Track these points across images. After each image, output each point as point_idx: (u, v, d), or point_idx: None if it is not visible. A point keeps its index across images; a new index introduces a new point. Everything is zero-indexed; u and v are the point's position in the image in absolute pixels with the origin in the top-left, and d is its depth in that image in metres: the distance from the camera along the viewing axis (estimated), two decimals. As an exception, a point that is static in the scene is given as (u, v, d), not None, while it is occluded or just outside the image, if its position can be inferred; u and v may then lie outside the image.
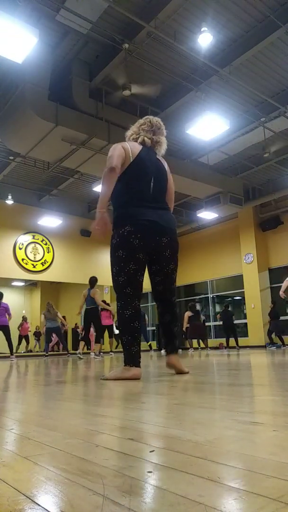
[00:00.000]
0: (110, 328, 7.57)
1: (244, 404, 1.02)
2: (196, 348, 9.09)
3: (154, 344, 10.21)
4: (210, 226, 10.60)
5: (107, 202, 1.86)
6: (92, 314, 5.70)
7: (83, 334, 5.86)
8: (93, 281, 5.78)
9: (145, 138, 1.98)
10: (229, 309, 8.67)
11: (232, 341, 8.21)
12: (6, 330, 6.23)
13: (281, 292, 4.91)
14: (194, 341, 9.29)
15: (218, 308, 10.86)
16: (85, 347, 7.31)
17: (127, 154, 1.88)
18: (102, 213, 1.82)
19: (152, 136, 2.02)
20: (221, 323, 8.48)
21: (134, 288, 1.84)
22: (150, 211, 1.85)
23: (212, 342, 10.05)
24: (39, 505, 0.40)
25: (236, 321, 10.22)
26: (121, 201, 1.88)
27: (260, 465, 0.49)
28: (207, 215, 8.87)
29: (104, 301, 7.08)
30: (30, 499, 0.41)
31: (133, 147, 1.92)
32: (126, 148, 1.90)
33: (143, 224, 1.81)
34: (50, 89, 5.54)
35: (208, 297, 11.05)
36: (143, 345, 8.53)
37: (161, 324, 1.99)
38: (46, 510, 0.38)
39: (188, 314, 8.03)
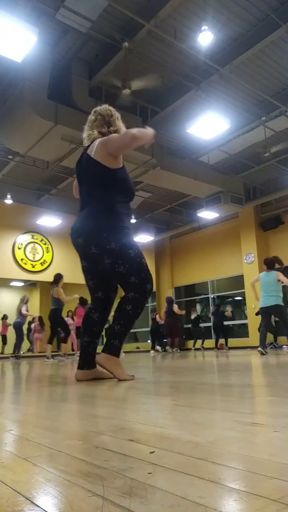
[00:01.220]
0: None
1: (244, 405, 1.02)
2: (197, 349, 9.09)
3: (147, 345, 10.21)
4: (211, 226, 10.59)
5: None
6: (54, 315, 5.24)
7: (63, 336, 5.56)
8: (57, 278, 5.28)
9: (89, 140, 1.90)
10: (221, 308, 8.67)
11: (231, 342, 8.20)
12: None
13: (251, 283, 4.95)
14: (195, 341, 9.28)
15: (222, 308, 10.85)
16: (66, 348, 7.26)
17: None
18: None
19: (91, 132, 1.91)
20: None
21: (90, 293, 1.94)
22: (78, 215, 1.88)
23: (212, 342, 10.07)
24: (38, 506, 0.39)
25: (236, 322, 10.23)
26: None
27: (260, 466, 0.49)
28: (207, 214, 8.86)
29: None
30: (29, 500, 0.41)
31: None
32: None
33: (71, 234, 1.87)
34: (49, 88, 5.53)
35: (208, 297, 11.04)
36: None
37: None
38: (46, 511, 0.38)
39: (166, 309, 7.73)
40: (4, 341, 10.30)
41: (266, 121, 6.39)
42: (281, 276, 4.52)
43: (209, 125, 5.65)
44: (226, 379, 1.70)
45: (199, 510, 0.36)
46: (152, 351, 7.49)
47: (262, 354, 4.21)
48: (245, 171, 8.33)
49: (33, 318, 9.67)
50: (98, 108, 1.98)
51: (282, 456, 0.53)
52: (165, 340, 8.78)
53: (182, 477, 0.46)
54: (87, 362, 1.83)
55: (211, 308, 10.60)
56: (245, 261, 9.72)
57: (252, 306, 9.43)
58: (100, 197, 1.80)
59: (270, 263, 4.62)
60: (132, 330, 13.80)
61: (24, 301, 7.00)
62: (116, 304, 1.81)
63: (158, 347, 8.33)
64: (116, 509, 0.37)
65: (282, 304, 4.48)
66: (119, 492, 0.42)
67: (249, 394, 1.22)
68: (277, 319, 5.74)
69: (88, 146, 1.89)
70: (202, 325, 9.78)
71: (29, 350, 10.62)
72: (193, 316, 9.42)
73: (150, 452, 0.57)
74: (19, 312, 6.94)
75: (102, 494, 0.41)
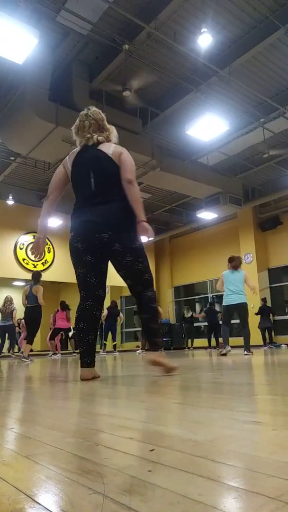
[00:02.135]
0: (66, 331, 7.30)
1: (243, 403, 1.02)
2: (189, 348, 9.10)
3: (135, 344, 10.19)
4: (210, 226, 10.60)
5: (43, 229, 2.01)
6: (32, 312, 5.05)
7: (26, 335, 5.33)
8: (36, 276, 5.21)
9: (88, 142, 1.94)
10: (215, 307, 8.69)
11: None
12: None
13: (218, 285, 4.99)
14: (192, 341, 9.27)
15: (217, 308, 10.86)
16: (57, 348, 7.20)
17: (66, 167, 1.95)
18: (37, 238, 1.99)
19: (93, 134, 1.94)
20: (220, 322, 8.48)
21: (86, 290, 1.86)
22: (89, 210, 1.83)
23: (204, 341, 10.05)
24: (39, 504, 0.40)
25: (234, 321, 10.21)
26: (76, 204, 1.94)
27: (260, 464, 0.49)
28: (206, 215, 8.88)
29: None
30: (30, 498, 0.41)
31: (71, 156, 1.96)
32: (64, 163, 1.97)
33: (81, 226, 1.84)
34: (50, 89, 5.54)
35: (208, 297, 11.05)
36: (109, 345, 8.37)
37: (140, 320, 1.95)
38: (47, 509, 0.38)
39: None
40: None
41: (265, 122, 6.41)
42: (248, 276, 4.81)
43: (208, 127, 5.67)
44: (225, 377, 1.70)
45: (199, 507, 0.37)
46: (139, 350, 7.47)
47: (224, 354, 4.26)
48: (244, 172, 8.34)
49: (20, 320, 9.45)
50: (88, 112, 1.99)
51: (281, 454, 0.53)
52: (165, 339, 8.75)
53: (181, 475, 0.46)
54: (93, 360, 1.85)
55: (205, 306, 10.62)
56: (244, 261, 9.71)
57: (251, 306, 9.43)
58: (120, 195, 1.84)
59: (239, 263, 4.69)
60: (132, 329, 13.76)
61: (11, 301, 6.76)
62: (137, 304, 1.91)
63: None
64: (116, 507, 0.38)
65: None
66: (119, 490, 0.42)
67: (249, 393, 1.23)
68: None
69: (93, 145, 1.93)
70: (196, 324, 9.80)
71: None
72: (188, 315, 9.42)
73: (150, 450, 0.58)
74: (11, 314, 6.71)
75: (103, 491, 0.42)
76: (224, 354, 4.26)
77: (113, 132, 2.02)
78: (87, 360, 1.82)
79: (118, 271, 1.91)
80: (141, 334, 7.82)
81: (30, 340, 5.16)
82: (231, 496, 0.40)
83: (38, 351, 9.98)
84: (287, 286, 9.87)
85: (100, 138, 1.94)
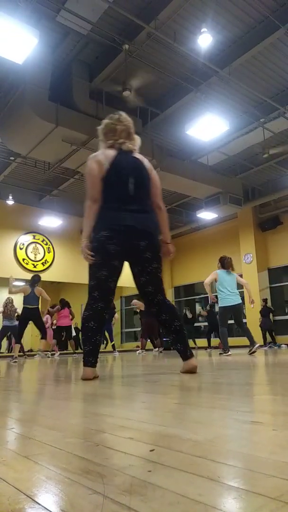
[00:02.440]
0: (68, 329, 7.28)
1: (243, 403, 1.02)
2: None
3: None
4: (210, 226, 10.60)
5: (89, 234, 1.90)
6: (34, 313, 5.38)
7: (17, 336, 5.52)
8: (38, 279, 5.57)
9: (122, 146, 1.95)
10: (215, 308, 8.69)
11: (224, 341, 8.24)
12: None
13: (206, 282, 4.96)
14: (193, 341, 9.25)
15: (217, 308, 10.87)
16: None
17: (100, 165, 1.89)
18: (83, 244, 1.89)
19: (124, 140, 1.96)
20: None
21: (102, 292, 1.86)
22: (128, 215, 1.83)
23: (212, 341, 10.05)
24: (39, 504, 0.40)
25: (230, 322, 10.22)
26: (103, 205, 1.86)
27: (259, 464, 0.49)
28: (206, 215, 8.88)
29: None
30: (30, 498, 0.41)
31: (107, 154, 1.91)
32: (97, 161, 1.91)
33: (120, 229, 1.81)
34: (50, 89, 5.54)
35: (208, 297, 11.05)
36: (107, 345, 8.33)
37: (169, 327, 1.93)
38: (47, 509, 0.38)
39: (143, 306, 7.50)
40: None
41: (265, 122, 6.41)
42: (240, 279, 4.81)
43: (208, 127, 5.67)
44: (225, 377, 1.70)
45: (199, 508, 0.37)
46: (139, 350, 7.46)
47: (228, 355, 4.29)
48: (244, 172, 8.35)
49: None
50: (120, 117, 2.00)
51: (281, 454, 0.53)
52: (165, 339, 8.73)
53: (181, 475, 0.46)
54: (96, 360, 1.86)
55: (205, 306, 10.62)
56: (244, 261, 9.73)
57: (251, 306, 9.43)
58: (152, 208, 1.95)
59: (232, 265, 4.67)
60: (132, 330, 13.74)
61: (12, 303, 6.89)
62: (168, 317, 1.91)
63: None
64: (116, 507, 0.38)
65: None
66: (119, 490, 0.42)
67: (248, 393, 1.23)
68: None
69: (128, 151, 1.95)
70: (196, 324, 9.78)
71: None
72: (190, 316, 9.41)
73: (150, 450, 0.58)
74: (14, 315, 6.85)
75: (103, 491, 0.42)
76: (229, 355, 4.27)
77: (138, 142, 2.05)
78: (92, 360, 1.82)
79: (139, 276, 1.91)
80: (141, 334, 7.79)
81: (19, 339, 5.51)
82: (231, 496, 0.40)
83: (28, 350, 9.95)
84: (287, 286, 9.87)
85: (131, 146, 1.98)
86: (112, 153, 1.91)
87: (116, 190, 1.87)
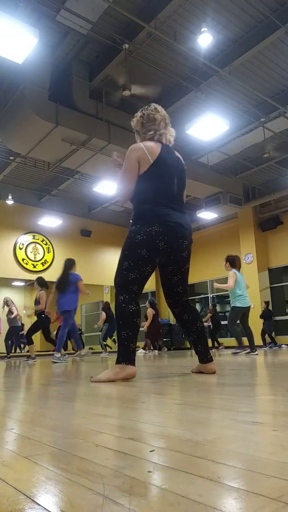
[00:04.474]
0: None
1: (244, 404, 1.02)
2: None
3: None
4: (210, 226, 10.60)
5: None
6: (39, 317, 5.20)
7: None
8: (43, 281, 5.32)
9: (162, 138, 1.92)
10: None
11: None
12: None
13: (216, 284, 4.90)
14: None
15: (218, 308, 10.88)
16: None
17: (143, 158, 1.84)
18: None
19: (164, 131, 1.94)
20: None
21: (140, 287, 1.80)
22: (175, 213, 1.81)
23: (210, 342, 10.06)
24: (39, 504, 0.40)
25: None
26: (148, 198, 1.81)
27: (260, 464, 0.49)
28: (207, 215, 8.87)
29: None
30: (30, 498, 0.41)
31: (150, 149, 1.85)
32: (142, 154, 1.84)
33: (171, 226, 1.77)
34: (50, 89, 5.54)
35: (208, 297, 11.06)
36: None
37: (192, 330, 1.92)
38: (46, 509, 0.38)
39: (152, 312, 7.53)
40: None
41: (265, 122, 6.40)
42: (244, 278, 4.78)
43: (208, 126, 5.67)
44: (225, 378, 1.70)
45: (199, 508, 0.37)
46: (140, 350, 7.46)
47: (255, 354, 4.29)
48: (244, 172, 8.34)
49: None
50: (157, 107, 2.01)
51: (282, 455, 0.53)
52: (165, 339, 8.73)
53: (181, 475, 0.46)
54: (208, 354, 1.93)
55: (205, 307, 10.63)
56: (244, 261, 9.72)
57: (252, 305, 9.43)
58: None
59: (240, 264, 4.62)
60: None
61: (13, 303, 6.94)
62: (190, 317, 1.91)
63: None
64: (116, 507, 0.38)
65: None
66: (119, 491, 0.42)
67: (249, 393, 1.23)
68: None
69: (168, 146, 1.94)
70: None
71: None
72: None
73: (150, 451, 0.58)
74: (17, 315, 6.90)
75: (103, 492, 0.42)
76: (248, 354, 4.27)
77: (174, 133, 2.03)
78: (133, 358, 1.73)
79: (172, 275, 1.90)
80: (146, 335, 7.76)
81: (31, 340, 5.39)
82: (231, 496, 0.40)
83: (37, 351, 9.96)
84: (287, 286, 9.87)
85: (170, 138, 1.96)
86: (156, 148, 1.86)
87: (160, 186, 1.84)
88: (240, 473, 0.46)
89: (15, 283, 13.00)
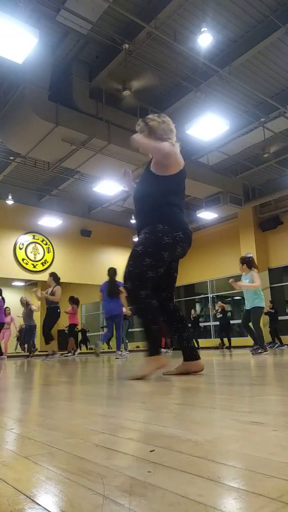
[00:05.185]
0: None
1: (244, 404, 1.02)
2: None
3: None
4: (210, 226, 10.60)
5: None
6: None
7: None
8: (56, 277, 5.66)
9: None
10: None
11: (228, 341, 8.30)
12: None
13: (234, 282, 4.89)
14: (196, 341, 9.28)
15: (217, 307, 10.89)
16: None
17: (178, 162, 1.91)
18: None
19: (174, 143, 2.00)
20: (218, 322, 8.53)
21: (152, 286, 1.84)
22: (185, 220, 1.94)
23: (212, 342, 10.06)
24: (39, 504, 0.40)
25: (235, 321, 10.27)
26: (175, 202, 1.86)
27: (260, 464, 0.49)
28: (207, 215, 8.88)
29: None
30: (30, 498, 0.41)
31: (180, 157, 1.95)
32: (179, 158, 1.93)
33: (189, 234, 1.88)
34: (50, 89, 5.54)
35: (208, 297, 11.06)
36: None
37: (178, 328, 1.96)
38: (46, 509, 0.38)
39: None
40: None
41: (265, 122, 6.40)
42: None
43: (208, 126, 5.67)
44: (225, 378, 1.70)
45: (199, 508, 0.37)
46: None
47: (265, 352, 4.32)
48: (244, 172, 8.34)
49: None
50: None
51: (282, 455, 0.53)
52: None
53: (181, 475, 0.46)
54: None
55: (211, 308, 10.61)
56: (245, 261, 9.72)
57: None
58: None
59: None
60: (132, 330, 13.75)
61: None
62: (174, 313, 1.95)
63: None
64: (116, 507, 0.38)
65: None
66: (119, 491, 0.42)
67: (249, 393, 1.23)
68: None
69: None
70: (204, 324, 9.80)
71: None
72: (195, 315, 9.46)
73: (150, 451, 0.58)
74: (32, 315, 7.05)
75: (103, 492, 0.42)
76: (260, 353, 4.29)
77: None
78: (160, 349, 1.89)
79: (174, 273, 2.00)
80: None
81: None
82: (231, 496, 0.40)
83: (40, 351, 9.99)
84: (287, 286, 9.87)
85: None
86: (181, 158, 1.96)
87: (182, 195, 1.96)
88: (240, 473, 0.46)
89: (15, 283, 13.01)
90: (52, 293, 5.45)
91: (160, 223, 1.79)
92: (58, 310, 5.48)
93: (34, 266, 9.30)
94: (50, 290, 5.53)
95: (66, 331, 7.88)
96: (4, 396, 1.42)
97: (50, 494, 0.43)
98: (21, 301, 7.22)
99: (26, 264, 9.17)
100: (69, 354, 6.91)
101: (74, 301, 7.17)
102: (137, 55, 5.16)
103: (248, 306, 4.48)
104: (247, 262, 4.53)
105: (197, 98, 5.90)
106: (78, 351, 7.39)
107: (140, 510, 0.37)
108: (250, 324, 4.45)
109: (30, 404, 1.20)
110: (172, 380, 1.70)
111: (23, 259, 9.15)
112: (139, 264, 1.77)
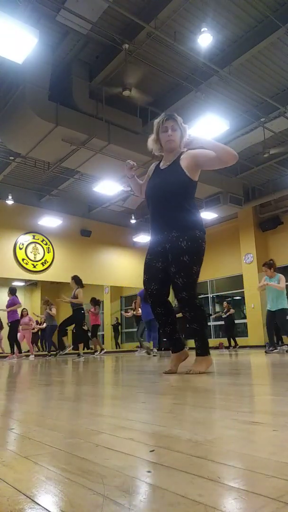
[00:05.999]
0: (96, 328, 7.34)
1: (244, 403, 1.02)
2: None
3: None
4: (210, 226, 10.58)
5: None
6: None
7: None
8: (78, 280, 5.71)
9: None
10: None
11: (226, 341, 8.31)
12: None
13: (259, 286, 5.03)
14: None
15: (218, 308, 10.89)
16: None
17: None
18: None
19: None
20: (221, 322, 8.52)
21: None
22: None
23: (211, 341, 10.06)
24: (39, 504, 0.40)
25: (236, 321, 10.27)
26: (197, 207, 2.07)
27: (260, 464, 0.49)
28: (207, 215, 8.87)
29: None
30: (30, 498, 0.41)
31: None
32: None
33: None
34: (50, 89, 5.54)
35: (208, 296, 11.06)
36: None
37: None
38: (46, 509, 0.38)
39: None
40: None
41: (265, 122, 6.40)
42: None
43: (208, 126, 5.67)
44: (225, 378, 1.70)
45: (199, 508, 0.37)
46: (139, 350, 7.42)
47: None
48: (244, 172, 8.34)
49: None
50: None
51: (282, 455, 0.53)
52: (164, 339, 8.69)
53: (181, 475, 0.46)
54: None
55: (211, 308, 10.62)
56: (244, 261, 9.74)
57: (252, 306, 9.44)
58: None
59: None
60: (131, 330, 13.74)
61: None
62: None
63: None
64: (116, 507, 0.38)
65: None
66: (119, 490, 0.42)
67: (249, 393, 1.23)
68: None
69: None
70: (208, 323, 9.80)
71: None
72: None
73: (150, 451, 0.58)
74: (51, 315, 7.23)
75: (102, 492, 0.42)
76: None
77: None
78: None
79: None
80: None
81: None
82: (231, 496, 0.40)
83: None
84: (287, 287, 9.87)
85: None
86: None
87: None
88: (240, 473, 0.46)
89: (15, 283, 12.99)
90: (75, 296, 5.51)
91: (198, 230, 1.97)
92: (83, 311, 5.58)
93: (34, 266, 9.30)
94: (73, 293, 5.61)
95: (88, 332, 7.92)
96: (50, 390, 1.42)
97: (50, 494, 0.43)
98: (45, 301, 7.45)
99: (26, 264, 9.17)
100: (96, 353, 6.93)
101: (95, 302, 7.14)
102: (137, 55, 5.16)
103: (273, 307, 4.62)
104: (273, 266, 4.81)
105: (197, 98, 5.89)
106: (104, 350, 7.34)
107: (140, 510, 0.37)
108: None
109: (30, 404, 1.20)
110: (172, 380, 1.70)
111: (23, 259, 9.15)
112: (193, 276, 1.95)
